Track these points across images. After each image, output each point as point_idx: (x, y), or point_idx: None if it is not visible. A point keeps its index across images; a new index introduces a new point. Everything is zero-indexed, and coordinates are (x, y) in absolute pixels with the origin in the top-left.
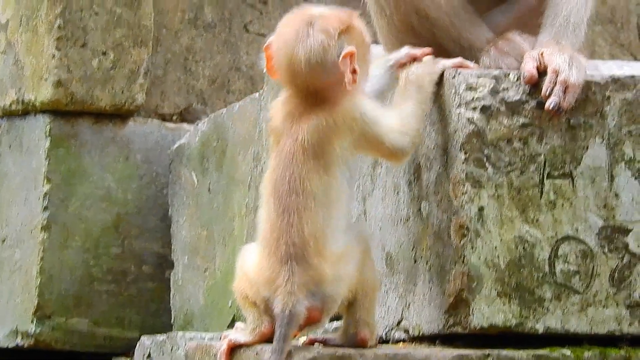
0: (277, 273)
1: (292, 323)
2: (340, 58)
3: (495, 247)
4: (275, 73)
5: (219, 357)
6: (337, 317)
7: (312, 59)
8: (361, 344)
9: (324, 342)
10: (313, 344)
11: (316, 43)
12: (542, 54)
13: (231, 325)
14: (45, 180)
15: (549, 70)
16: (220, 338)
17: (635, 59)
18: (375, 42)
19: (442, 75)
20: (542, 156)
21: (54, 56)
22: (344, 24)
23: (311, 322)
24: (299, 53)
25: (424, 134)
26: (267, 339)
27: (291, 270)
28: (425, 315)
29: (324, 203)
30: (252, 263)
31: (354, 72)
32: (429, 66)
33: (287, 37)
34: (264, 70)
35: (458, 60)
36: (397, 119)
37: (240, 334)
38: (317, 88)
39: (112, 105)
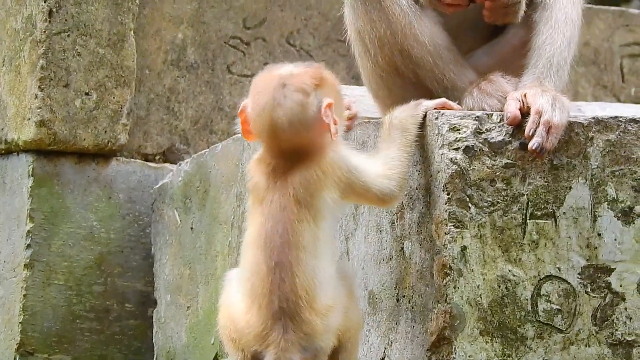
0: (269, 329)
1: None
2: (322, 111)
3: (478, 286)
4: (251, 136)
5: None
6: None
7: (293, 119)
8: None
9: None
10: None
11: (294, 103)
12: (525, 95)
13: None
14: (29, 219)
15: (532, 111)
16: None
17: (619, 100)
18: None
19: (425, 117)
20: (525, 196)
21: (36, 96)
22: (316, 79)
23: None
24: (279, 115)
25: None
26: None
27: (284, 327)
28: (407, 353)
29: (314, 255)
30: (239, 313)
31: (334, 122)
32: (412, 109)
33: (263, 101)
34: (239, 134)
35: (441, 101)
36: (383, 164)
37: None
38: (300, 145)
39: (95, 145)
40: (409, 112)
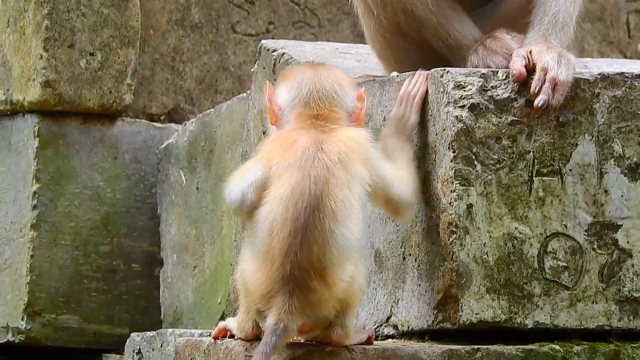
0: (275, 292)
1: (283, 336)
2: (358, 95)
3: (484, 244)
4: (279, 120)
5: (212, 335)
6: None
7: (335, 89)
8: (335, 344)
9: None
10: None
11: (335, 79)
12: (530, 52)
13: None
14: (34, 180)
15: (538, 68)
16: (209, 334)
17: (625, 56)
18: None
19: (427, 78)
20: (531, 154)
21: (41, 57)
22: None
23: (301, 332)
24: (323, 85)
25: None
26: (252, 339)
27: (290, 292)
28: (414, 312)
29: (343, 223)
30: (250, 271)
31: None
32: (400, 126)
33: (305, 78)
34: (268, 124)
35: (417, 108)
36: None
37: (233, 325)
38: (333, 118)
39: (100, 106)
40: (399, 131)
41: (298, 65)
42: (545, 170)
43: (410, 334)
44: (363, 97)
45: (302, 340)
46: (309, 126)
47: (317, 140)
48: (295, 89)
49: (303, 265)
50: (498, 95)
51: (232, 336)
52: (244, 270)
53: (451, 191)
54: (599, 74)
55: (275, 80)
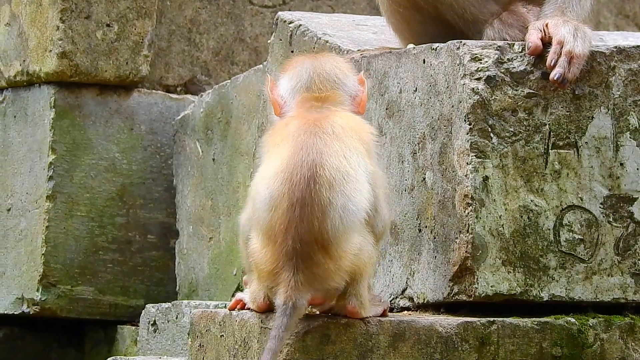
0: (280, 268)
1: (293, 314)
2: (359, 79)
3: (500, 217)
4: (281, 109)
5: (228, 306)
6: None
7: (337, 72)
8: (350, 315)
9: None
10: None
11: (335, 61)
12: (546, 25)
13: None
14: (50, 151)
15: (554, 42)
16: (225, 306)
17: None
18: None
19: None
20: (547, 126)
21: (58, 28)
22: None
23: (313, 305)
24: (324, 68)
25: (429, 105)
26: (264, 310)
27: (295, 267)
28: (429, 284)
29: (342, 194)
30: (256, 249)
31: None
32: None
33: (306, 64)
34: (271, 114)
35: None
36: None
37: (247, 297)
38: (335, 100)
39: (117, 77)
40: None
41: (297, 56)
42: (561, 143)
43: (425, 306)
44: (364, 80)
45: (317, 313)
46: (308, 109)
47: (314, 119)
48: (295, 76)
49: (305, 239)
50: (514, 67)
51: (248, 308)
52: (252, 248)
53: (467, 163)
54: (615, 47)
55: (291, 52)
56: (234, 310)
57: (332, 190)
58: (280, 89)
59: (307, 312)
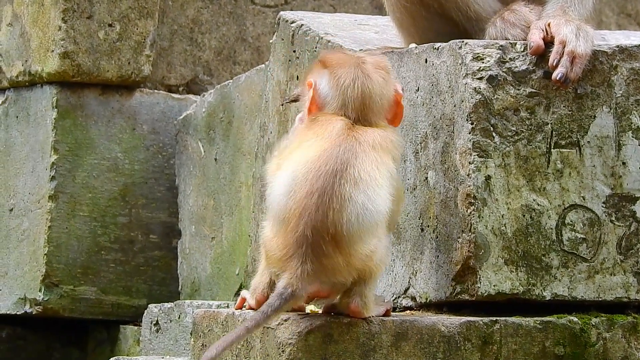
0: (289, 255)
1: (289, 300)
2: (399, 92)
3: (502, 216)
4: (318, 109)
5: (235, 306)
6: None
7: (381, 92)
8: (353, 315)
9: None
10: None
11: (381, 78)
12: (549, 25)
13: (238, 293)
14: (53, 151)
15: (556, 41)
16: (227, 305)
17: None
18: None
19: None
20: (549, 125)
21: (60, 28)
22: (389, 64)
23: (318, 297)
24: (369, 87)
25: (431, 104)
26: (261, 302)
27: (304, 256)
28: (432, 283)
29: (365, 194)
30: (269, 236)
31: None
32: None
33: (351, 75)
34: (305, 111)
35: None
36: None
37: (249, 295)
38: (370, 118)
39: (119, 77)
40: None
41: (341, 53)
42: (563, 142)
43: (428, 306)
44: (401, 95)
45: (320, 312)
46: (349, 112)
47: (353, 127)
48: (339, 81)
49: (317, 227)
50: (516, 67)
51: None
52: (264, 235)
53: (469, 163)
54: (617, 46)
55: (293, 52)
56: (240, 309)
57: (356, 187)
58: (320, 89)
59: (309, 312)
